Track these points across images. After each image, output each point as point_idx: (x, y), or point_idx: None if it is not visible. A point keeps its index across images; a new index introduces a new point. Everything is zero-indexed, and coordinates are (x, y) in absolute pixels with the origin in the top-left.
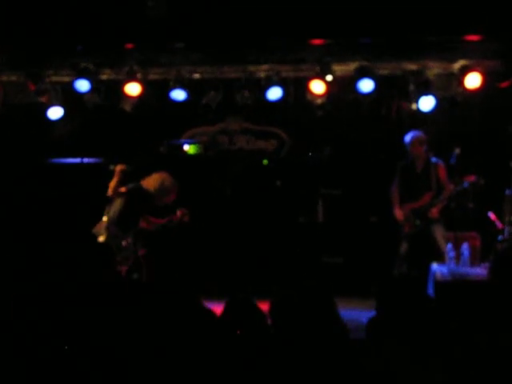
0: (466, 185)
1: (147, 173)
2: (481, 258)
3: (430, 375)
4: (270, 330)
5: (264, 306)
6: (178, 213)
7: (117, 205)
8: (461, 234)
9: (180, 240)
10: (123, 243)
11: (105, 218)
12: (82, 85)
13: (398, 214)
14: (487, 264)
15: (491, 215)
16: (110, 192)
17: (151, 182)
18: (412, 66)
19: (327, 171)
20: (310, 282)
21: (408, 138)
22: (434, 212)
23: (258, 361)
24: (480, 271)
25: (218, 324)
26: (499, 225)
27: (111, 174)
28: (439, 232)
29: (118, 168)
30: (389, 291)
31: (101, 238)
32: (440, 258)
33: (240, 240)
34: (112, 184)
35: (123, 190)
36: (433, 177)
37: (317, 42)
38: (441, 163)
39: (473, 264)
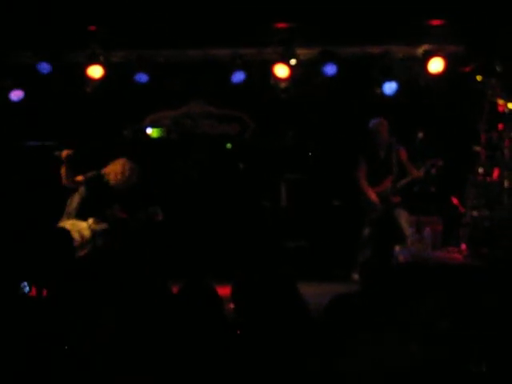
0: (426, 168)
1: (109, 157)
2: (443, 242)
3: (390, 353)
4: (223, 314)
5: (227, 290)
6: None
7: (76, 197)
8: (423, 217)
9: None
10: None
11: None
12: (44, 68)
13: (374, 197)
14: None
15: (454, 199)
16: (64, 181)
17: (111, 168)
18: (376, 50)
19: (290, 155)
20: (273, 266)
21: (375, 124)
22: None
23: (211, 345)
24: (442, 255)
25: (174, 306)
26: (461, 209)
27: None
28: (402, 216)
29: (64, 153)
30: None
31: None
32: (403, 241)
33: (203, 224)
34: (63, 171)
35: (79, 178)
36: (394, 161)
37: (281, 25)
38: (401, 147)
39: (435, 248)
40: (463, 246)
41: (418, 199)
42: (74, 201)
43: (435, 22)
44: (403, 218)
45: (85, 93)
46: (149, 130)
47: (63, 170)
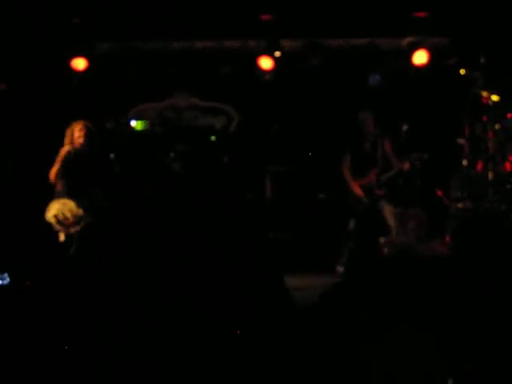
0: (411, 160)
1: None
2: (427, 234)
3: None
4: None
5: None
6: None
7: (59, 184)
8: (408, 210)
9: (126, 217)
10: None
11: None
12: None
13: (358, 190)
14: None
15: (438, 192)
16: (52, 178)
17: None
18: (360, 42)
19: (275, 147)
20: (258, 258)
21: (362, 116)
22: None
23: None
24: (426, 247)
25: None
26: (446, 201)
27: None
28: (387, 208)
29: (63, 151)
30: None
31: (50, 213)
32: (387, 234)
33: (186, 216)
34: (54, 169)
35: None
36: (379, 153)
37: (265, 17)
38: (386, 139)
39: (419, 240)
40: (447, 238)
41: (402, 192)
42: (60, 187)
43: (420, 14)
44: (388, 211)
45: (68, 85)
46: (133, 123)
47: (56, 169)
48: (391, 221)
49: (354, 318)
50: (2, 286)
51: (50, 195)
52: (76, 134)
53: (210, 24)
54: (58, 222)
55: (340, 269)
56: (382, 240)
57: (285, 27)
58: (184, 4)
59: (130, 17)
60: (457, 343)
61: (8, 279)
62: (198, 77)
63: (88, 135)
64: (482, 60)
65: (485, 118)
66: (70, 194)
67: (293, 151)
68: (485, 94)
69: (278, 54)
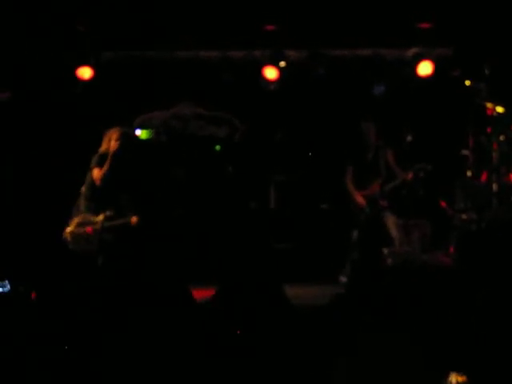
0: (414, 171)
1: None
2: (431, 245)
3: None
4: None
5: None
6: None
7: (86, 183)
8: (412, 221)
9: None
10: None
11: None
12: None
13: (361, 200)
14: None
15: (442, 203)
16: (98, 182)
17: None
18: (365, 53)
19: (279, 157)
20: (260, 268)
21: (364, 127)
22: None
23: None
24: (430, 258)
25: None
26: (450, 212)
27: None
28: (390, 219)
29: (114, 146)
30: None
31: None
32: (391, 244)
33: (191, 226)
34: (103, 171)
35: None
36: (382, 164)
37: (270, 27)
38: (389, 149)
39: (423, 251)
40: (451, 249)
41: (406, 202)
42: (85, 187)
43: (424, 25)
44: (391, 222)
45: (74, 94)
46: (138, 132)
47: (104, 170)
48: (394, 231)
49: (356, 328)
50: (2, 293)
51: (51, 200)
52: (113, 142)
53: (215, 34)
54: (73, 238)
55: (343, 279)
56: (385, 251)
57: (289, 37)
58: (189, 14)
59: (134, 26)
60: (459, 353)
61: (8, 286)
62: (202, 86)
63: (124, 144)
64: (486, 71)
65: (489, 130)
66: (91, 199)
67: (297, 161)
68: (489, 105)
69: (282, 64)
